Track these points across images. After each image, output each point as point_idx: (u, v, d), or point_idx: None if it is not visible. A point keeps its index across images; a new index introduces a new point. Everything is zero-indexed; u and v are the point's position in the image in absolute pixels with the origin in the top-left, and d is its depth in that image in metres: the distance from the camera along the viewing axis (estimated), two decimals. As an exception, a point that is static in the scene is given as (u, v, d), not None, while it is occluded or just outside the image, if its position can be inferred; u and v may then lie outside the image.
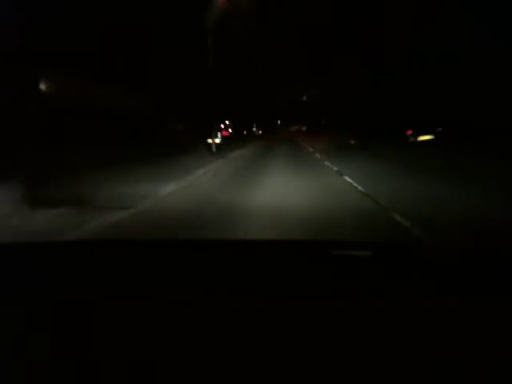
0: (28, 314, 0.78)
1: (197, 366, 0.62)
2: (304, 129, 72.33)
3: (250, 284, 0.93)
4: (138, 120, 15.35)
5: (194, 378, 0.60)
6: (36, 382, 0.60)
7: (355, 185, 7.30)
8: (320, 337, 0.69)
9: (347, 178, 8.24)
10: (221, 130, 19.73)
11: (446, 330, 0.71)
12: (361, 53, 32.11)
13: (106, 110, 13.01)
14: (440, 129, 19.16)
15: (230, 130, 21.85)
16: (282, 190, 6.99)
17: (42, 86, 10.52)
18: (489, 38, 17.41)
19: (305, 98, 72.67)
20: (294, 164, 12.45)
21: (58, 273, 1.03)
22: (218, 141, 17.68)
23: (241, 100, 32.90)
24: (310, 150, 19.74)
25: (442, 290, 0.87)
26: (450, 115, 18.58)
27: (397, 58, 25.37)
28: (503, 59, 16.51)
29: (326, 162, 12.08)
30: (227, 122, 22.62)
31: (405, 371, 0.61)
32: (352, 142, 23.89)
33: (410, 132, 20.47)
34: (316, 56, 49.08)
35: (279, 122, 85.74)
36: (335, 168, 10.27)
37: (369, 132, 25.84)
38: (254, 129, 47.86)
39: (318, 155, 15.69)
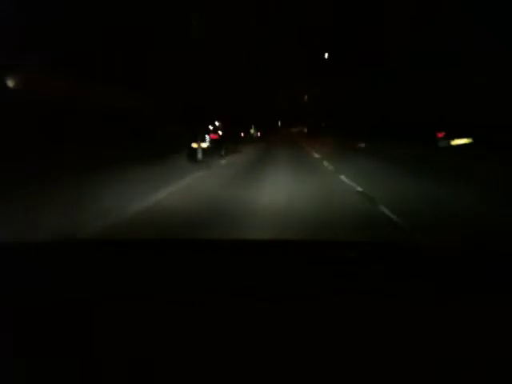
0: (28, 313, 0.78)
1: (197, 365, 0.62)
2: (306, 130, 71.59)
3: (249, 284, 0.93)
4: (136, 120, 15.12)
5: (194, 378, 0.60)
6: (36, 382, 0.60)
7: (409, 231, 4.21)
8: (320, 337, 0.69)
9: (384, 209, 5.09)
10: (209, 132, 16.14)
11: (446, 330, 0.71)
12: (361, 53, 32.15)
13: (105, 110, 13.00)
14: (477, 131, 15.86)
15: (220, 133, 17.89)
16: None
17: (11, 83, 9.83)
18: (489, 38, 17.42)
19: (306, 97, 72.45)
20: (300, 178, 9.01)
21: (58, 273, 1.03)
22: (205, 145, 14.56)
23: (238, 100, 32.67)
24: (316, 156, 16.04)
25: (442, 290, 0.87)
26: (450, 115, 18.40)
27: (397, 58, 25.39)
28: (503, 59, 16.52)
29: (342, 177, 8.61)
30: (217, 123, 18.93)
31: (405, 371, 0.61)
32: (361, 145, 21.61)
33: (441, 134, 16.98)
34: (316, 56, 49.19)
35: (279, 123, 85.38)
36: (359, 188, 6.94)
37: (379, 134, 23.87)
38: (252, 130, 44.41)
39: (326, 164, 12.14)
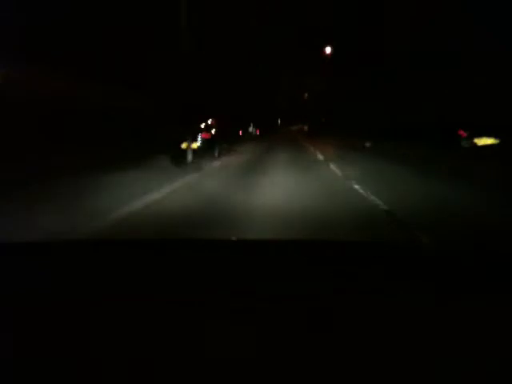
0: (28, 314, 0.78)
1: (197, 366, 0.62)
2: (306, 128, 71.69)
3: (250, 284, 0.93)
4: (136, 120, 14.94)
5: (193, 378, 0.60)
6: (36, 382, 0.60)
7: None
8: (320, 337, 0.69)
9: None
10: (201, 130, 14.62)
11: (446, 330, 0.71)
12: (361, 53, 32.19)
13: (105, 110, 13.00)
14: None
15: (212, 131, 15.97)
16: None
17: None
18: (489, 37, 17.43)
19: (306, 95, 72.35)
20: (304, 186, 7.16)
21: (58, 273, 1.03)
22: (196, 145, 13.15)
23: (238, 100, 32.54)
24: (320, 157, 14.04)
25: (442, 290, 0.87)
26: (449, 115, 18.34)
27: (397, 58, 25.41)
28: (503, 59, 16.53)
29: (356, 185, 6.82)
30: (210, 122, 16.96)
31: (405, 371, 0.61)
32: (367, 144, 20.23)
33: (463, 133, 14.94)
34: (316, 55, 49.30)
35: (279, 121, 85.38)
36: (385, 207, 5.10)
37: (385, 133, 22.67)
38: (251, 129, 42.84)
39: (333, 167, 10.09)
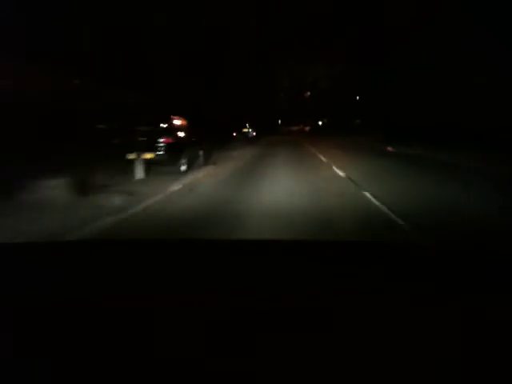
0: (28, 314, 0.78)
1: (196, 366, 0.62)
2: (307, 129, 71.81)
3: (249, 284, 0.93)
4: (133, 120, 14.60)
5: (193, 379, 0.60)
6: (36, 382, 0.60)
7: None
8: (320, 337, 0.69)
9: None
10: (161, 134, 9.83)
11: (446, 330, 0.71)
12: (361, 53, 32.22)
13: (105, 110, 12.99)
14: None
15: (180, 134, 10.67)
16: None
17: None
18: (489, 37, 17.44)
19: (308, 93, 72.04)
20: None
21: (58, 273, 1.03)
22: (151, 155, 9.29)
23: (238, 99, 32.29)
24: (339, 172, 9.35)
25: (442, 290, 0.87)
26: (449, 116, 18.26)
27: (397, 58, 25.41)
28: (503, 59, 16.53)
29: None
30: (177, 122, 11.00)
31: (405, 371, 0.61)
32: (389, 148, 18.06)
33: None
34: (315, 55, 49.27)
35: (279, 121, 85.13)
36: None
37: (411, 134, 20.45)
38: (246, 129, 38.09)
39: (372, 197, 5.89)
